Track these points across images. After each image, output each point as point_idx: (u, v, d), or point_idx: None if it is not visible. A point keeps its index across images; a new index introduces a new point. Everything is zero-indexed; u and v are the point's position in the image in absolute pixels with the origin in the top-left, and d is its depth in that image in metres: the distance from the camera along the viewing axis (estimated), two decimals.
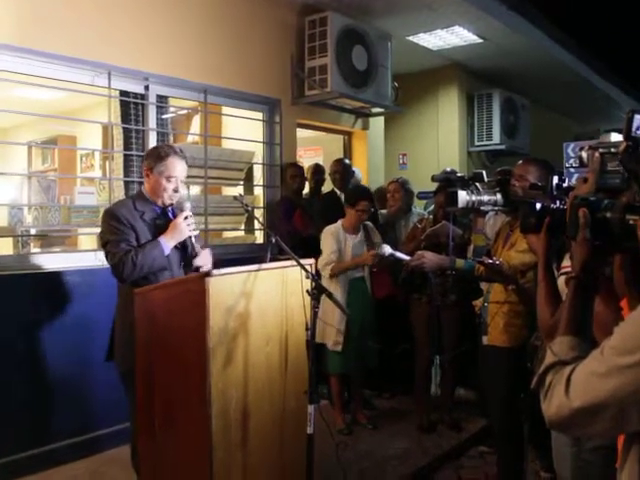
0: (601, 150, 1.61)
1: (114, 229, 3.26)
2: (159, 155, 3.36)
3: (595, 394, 1.16)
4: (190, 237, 3.42)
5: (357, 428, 4.85)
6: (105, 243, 3.30)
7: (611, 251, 1.46)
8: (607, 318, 1.48)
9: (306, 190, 6.14)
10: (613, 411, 1.15)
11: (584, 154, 1.79)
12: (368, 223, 4.93)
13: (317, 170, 6.08)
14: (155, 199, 3.39)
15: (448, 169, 4.21)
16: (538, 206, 1.82)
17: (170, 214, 3.44)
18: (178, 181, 3.38)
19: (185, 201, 3.47)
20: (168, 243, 3.31)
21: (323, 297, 3.06)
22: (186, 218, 3.36)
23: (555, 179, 2.40)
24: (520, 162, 3.30)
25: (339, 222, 4.81)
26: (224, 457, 2.91)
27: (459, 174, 3.39)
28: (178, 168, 3.37)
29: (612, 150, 1.58)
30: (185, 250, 3.46)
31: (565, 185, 2.38)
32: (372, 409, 5.32)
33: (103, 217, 3.39)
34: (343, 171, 5.86)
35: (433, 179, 3.78)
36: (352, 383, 5.13)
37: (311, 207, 5.65)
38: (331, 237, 4.70)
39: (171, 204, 3.42)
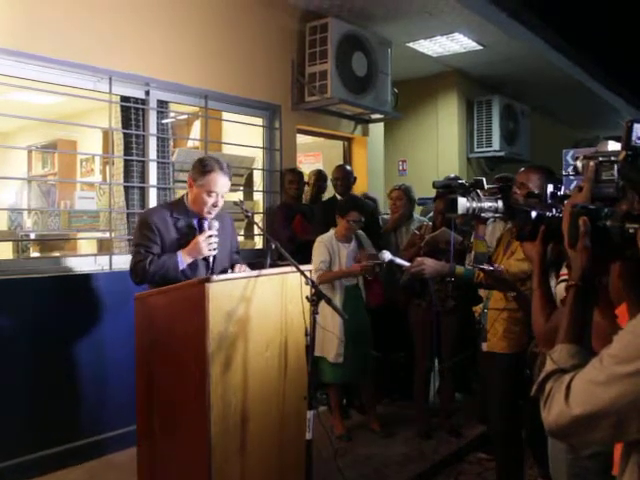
0: (601, 159, 1.62)
1: (141, 235, 3.39)
2: (203, 169, 3.41)
3: (595, 402, 1.17)
4: (209, 257, 3.47)
5: (356, 434, 4.85)
6: (133, 246, 3.48)
7: (611, 259, 1.47)
8: (603, 326, 1.49)
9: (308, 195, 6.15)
10: (613, 419, 1.16)
11: (579, 163, 1.81)
12: (360, 232, 4.93)
13: (320, 176, 6.08)
14: (196, 210, 3.46)
15: (452, 175, 4.21)
16: (533, 214, 1.84)
17: (205, 224, 3.49)
18: (219, 196, 3.43)
19: (214, 221, 3.49)
20: (185, 258, 3.37)
21: (323, 307, 3.05)
22: (210, 237, 3.40)
23: (550, 187, 2.41)
24: (522, 169, 3.29)
25: (331, 231, 4.81)
26: (223, 461, 2.92)
27: (461, 181, 3.38)
28: (220, 184, 3.42)
29: (612, 159, 1.59)
30: (209, 265, 3.50)
31: (560, 193, 2.39)
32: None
33: (137, 221, 3.54)
34: (345, 177, 5.86)
35: (434, 185, 3.78)
36: (363, 392, 5.15)
37: (311, 213, 5.66)
38: (323, 246, 4.69)
39: (208, 217, 3.47)
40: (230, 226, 3.69)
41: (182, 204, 3.52)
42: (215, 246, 3.44)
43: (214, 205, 3.43)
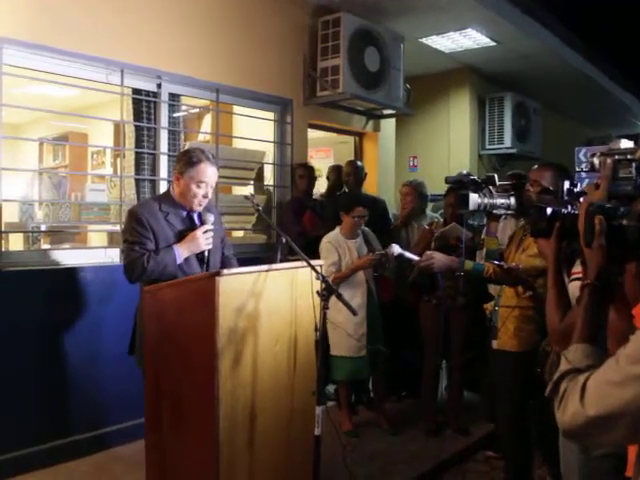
0: (617, 157, 1.60)
1: (133, 230, 3.31)
2: (190, 160, 3.37)
3: (610, 403, 1.15)
4: (204, 251, 3.44)
5: (364, 430, 4.84)
6: (124, 241, 3.41)
7: (627, 258, 1.45)
8: (619, 326, 1.48)
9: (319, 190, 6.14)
10: (628, 420, 1.14)
11: (596, 160, 1.78)
12: (365, 229, 4.91)
13: (340, 172, 6.04)
14: (183, 203, 3.42)
15: (464, 172, 4.19)
16: (549, 211, 1.82)
17: (196, 218, 3.47)
18: (208, 187, 3.40)
19: (209, 214, 3.48)
20: (182, 253, 3.33)
21: (338, 304, 3.03)
22: (206, 232, 3.39)
23: (566, 184, 2.38)
24: (535, 167, 3.26)
25: (337, 229, 4.79)
26: (231, 456, 2.91)
27: (472, 177, 3.36)
28: (209, 174, 3.39)
29: (628, 157, 1.57)
30: (203, 259, 3.47)
31: (576, 190, 2.37)
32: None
33: (126, 216, 3.45)
34: (356, 173, 5.85)
35: (447, 181, 3.77)
36: (375, 388, 5.15)
37: (321, 208, 5.64)
38: (331, 246, 4.67)
39: (198, 210, 3.45)
40: (218, 218, 3.66)
41: (169, 197, 3.47)
42: (211, 240, 3.43)
43: (204, 196, 3.40)
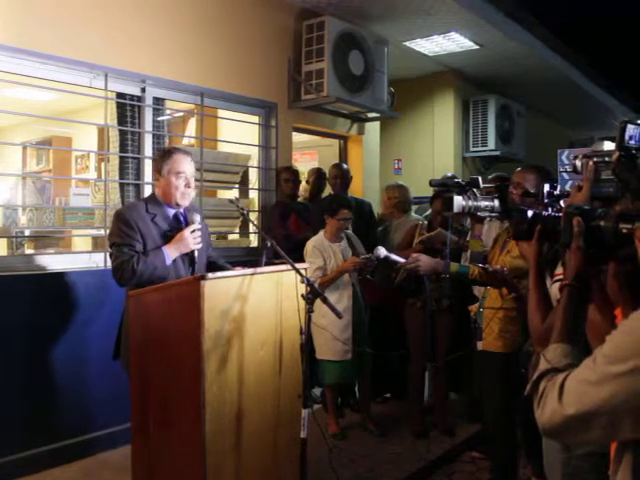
0: (595, 159, 1.62)
1: (121, 232, 3.29)
2: (164, 155, 3.42)
3: (588, 402, 1.17)
4: (191, 252, 3.44)
5: (350, 433, 4.85)
6: (111, 245, 3.36)
7: (605, 259, 1.48)
8: (602, 326, 1.49)
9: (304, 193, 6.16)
10: (605, 419, 1.16)
11: (578, 163, 1.81)
12: (349, 232, 4.92)
13: (320, 175, 6.07)
14: (168, 201, 3.42)
15: (448, 174, 4.22)
16: (530, 213, 1.84)
17: (182, 218, 3.47)
18: (188, 176, 3.41)
19: (195, 214, 3.48)
20: (171, 253, 3.33)
21: (323, 309, 3.04)
22: (193, 231, 3.38)
23: (546, 187, 2.41)
24: (518, 169, 3.30)
25: (321, 233, 4.78)
26: (217, 460, 2.91)
27: (457, 180, 3.38)
28: (185, 163, 3.41)
29: (606, 159, 1.59)
30: (193, 260, 3.47)
31: (557, 192, 2.39)
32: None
33: (113, 218, 3.43)
34: (343, 176, 5.88)
35: (431, 184, 3.79)
36: (359, 390, 5.16)
37: (307, 211, 5.65)
38: (316, 251, 4.66)
39: (184, 204, 3.44)
40: (202, 219, 3.65)
41: (155, 199, 3.48)
42: (200, 240, 3.43)
43: (187, 186, 3.40)
